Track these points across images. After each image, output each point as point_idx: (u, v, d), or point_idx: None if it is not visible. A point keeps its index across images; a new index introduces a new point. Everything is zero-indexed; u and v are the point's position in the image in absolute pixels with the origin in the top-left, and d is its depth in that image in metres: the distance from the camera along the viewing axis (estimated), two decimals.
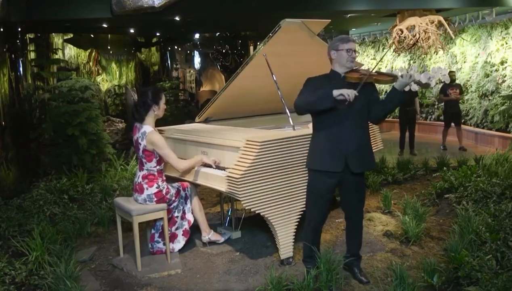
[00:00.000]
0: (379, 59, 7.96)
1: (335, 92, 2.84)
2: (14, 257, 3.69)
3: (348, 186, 3.13)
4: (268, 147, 3.36)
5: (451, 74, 8.18)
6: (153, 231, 3.89)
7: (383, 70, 12.24)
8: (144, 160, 3.66)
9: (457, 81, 9.76)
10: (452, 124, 8.27)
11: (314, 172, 3.14)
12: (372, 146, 4.73)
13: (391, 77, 3.00)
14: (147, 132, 3.60)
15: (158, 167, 3.69)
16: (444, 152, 7.79)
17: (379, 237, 4.06)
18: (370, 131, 4.75)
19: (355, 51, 3.06)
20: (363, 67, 3.48)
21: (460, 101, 9.77)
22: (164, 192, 3.67)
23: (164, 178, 3.75)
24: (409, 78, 2.91)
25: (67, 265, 3.26)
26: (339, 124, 3.01)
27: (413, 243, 3.86)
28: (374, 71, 3.03)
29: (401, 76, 2.93)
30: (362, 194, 3.24)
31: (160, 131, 4.36)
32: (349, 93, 2.82)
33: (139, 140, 3.63)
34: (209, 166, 3.71)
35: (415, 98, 8.09)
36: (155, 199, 3.64)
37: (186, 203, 3.88)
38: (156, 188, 3.65)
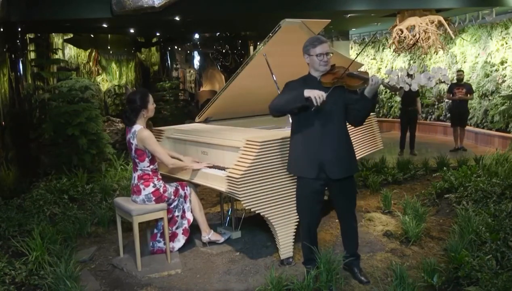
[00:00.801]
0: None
1: (306, 93, 2.82)
2: (14, 257, 3.69)
3: (335, 189, 3.13)
4: (268, 146, 3.36)
5: (459, 73, 8.13)
6: (155, 231, 3.89)
7: (382, 70, 12.17)
8: (137, 160, 3.66)
9: None
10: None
11: (298, 177, 3.14)
12: (372, 146, 4.78)
13: (361, 80, 2.93)
14: (137, 130, 3.62)
15: (151, 166, 3.69)
16: (452, 152, 7.69)
17: (379, 237, 4.06)
18: (370, 132, 4.78)
19: (327, 53, 2.98)
20: (363, 68, 3.47)
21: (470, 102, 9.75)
22: (161, 190, 3.67)
23: (160, 177, 3.75)
24: (377, 83, 2.85)
25: (67, 265, 3.26)
26: (315, 129, 2.98)
27: (413, 243, 3.86)
28: (346, 73, 2.96)
29: (371, 79, 2.88)
30: (350, 196, 3.21)
31: (160, 131, 4.37)
32: (317, 96, 2.78)
33: (131, 140, 3.64)
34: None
35: (416, 98, 8.04)
36: (154, 198, 3.64)
37: (185, 202, 3.88)
38: (153, 187, 3.65)
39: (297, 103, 2.90)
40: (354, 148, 4.39)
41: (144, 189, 3.64)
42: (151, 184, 3.65)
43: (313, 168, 3.01)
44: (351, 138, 4.28)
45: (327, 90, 2.90)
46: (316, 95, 2.78)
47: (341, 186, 3.10)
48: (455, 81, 8.20)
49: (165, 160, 3.70)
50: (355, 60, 3.66)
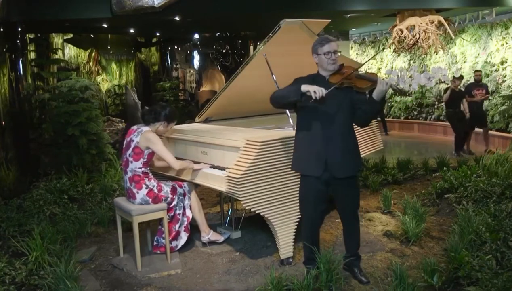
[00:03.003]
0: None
1: (304, 88, 2.86)
2: (14, 257, 3.68)
3: (338, 189, 3.13)
4: (268, 146, 3.36)
5: (477, 74, 7.82)
6: (160, 226, 3.89)
7: (383, 70, 12.17)
8: (131, 159, 3.64)
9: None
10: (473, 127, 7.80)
11: (302, 175, 3.15)
12: (372, 146, 4.77)
13: (370, 82, 2.94)
14: (144, 130, 3.64)
15: (143, 169, 3.66)
16: (461, 156, 7.38)
17: (379, 237, 4.06)
18: (369, 132, 4.77)
19: (335, 52, 2.99)
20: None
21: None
22: (155, 190, 3.66)
23: (151, 177, 3.72)
24: (386, 85, 2.87)
25: (67, 265, 3.26)
26: (320, 128, 3.00)
27: (413, 243, 3.86)
28: (355, 74, 2.97)
29: (380, 81, 2.88)
30: (353, 196, 3.20)
31: None
32: (317, 91, 2.80)
33: (133, 138, 3.64)
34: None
35: (462, 98, 7.66)
36: (150, 200, 3.63)
37: (184, 199, 3.88)
38: (146, 188, 3.63)
39: (292, 97, 2.95)
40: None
41: (137, 192, 3.62)
42: (143, 186, 3.63)
43: (318, 166, 3.02)
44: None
45: (342, 90, 2.93)
46: (314, 89, 2.82)
47: (344, 185, 3.10)
48: (472, 81, 7.93)
49: (172, 162, 3.68)
50: (364, 63, 3.69)
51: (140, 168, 3.65)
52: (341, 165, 3.02)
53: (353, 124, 3.13)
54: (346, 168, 3.06)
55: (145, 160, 3.65)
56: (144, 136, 3.60)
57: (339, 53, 3.03)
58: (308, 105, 2.92)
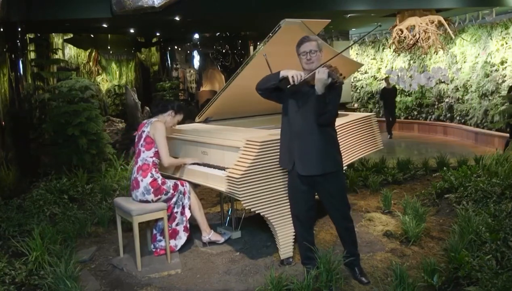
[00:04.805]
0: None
1: (282, 72, 2.96)
2: (14, 257, 3.69)
3: (319, 189, 3.16)
4: (268, 146, 3.36)
5: None
6: (154, 231, 3.90)
7: (383, 70, 12.13)
8: (143, 148, 3.73)
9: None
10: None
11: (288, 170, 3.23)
12: (372, 146, 4.77)
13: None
14: (154, 120, 3.81)
15: (154, 159, 3.74)
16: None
17: (379, 237, 4.06)
18: (370, 132, 4.77)
19: (311, 52, 3.01)
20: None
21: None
22: (159, 181, 3.68)
23: (158, 170, 3.77)
24: (324, 74, 2.82)
25: (67, 265, 3.26)
26: (292, 123, 3.08)
27: (413, 243, 3.86)
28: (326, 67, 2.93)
29: (317, 71, 2.86)
30: (335, 195, 3.16)
31: None
32: (295, 75, 2.87)
33: (144, 129, 3.78)
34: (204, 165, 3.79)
35: None
36: (152, 190, 3.63)
37: (184, 198, 3.88)
38: (151, 177, 3.66)
39: (272, 81, 3.05)
40: (354, 148, 4.42)
41: (142, 180, 3.65)
42: (149, 174, 3.66)
43: (289, 161, 3.14)
44: (348, 138, 4.29)
45: (311, 87, 2.96)
46: (293, 74, 2.89)
47: (323, 184, 3.11)
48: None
49: (164, 156, 3.75)
50: (335, 56, 3.65)
51: (151, 157, 3.73)
52: (303, 162, 3.06)
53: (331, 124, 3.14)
54: (309, 166, 3.06)
55: (156, 149, 3.74)
56: (153, 125, 3.75)
57: (316, 53, 3.04)
58: (286, 93, 3.02)
